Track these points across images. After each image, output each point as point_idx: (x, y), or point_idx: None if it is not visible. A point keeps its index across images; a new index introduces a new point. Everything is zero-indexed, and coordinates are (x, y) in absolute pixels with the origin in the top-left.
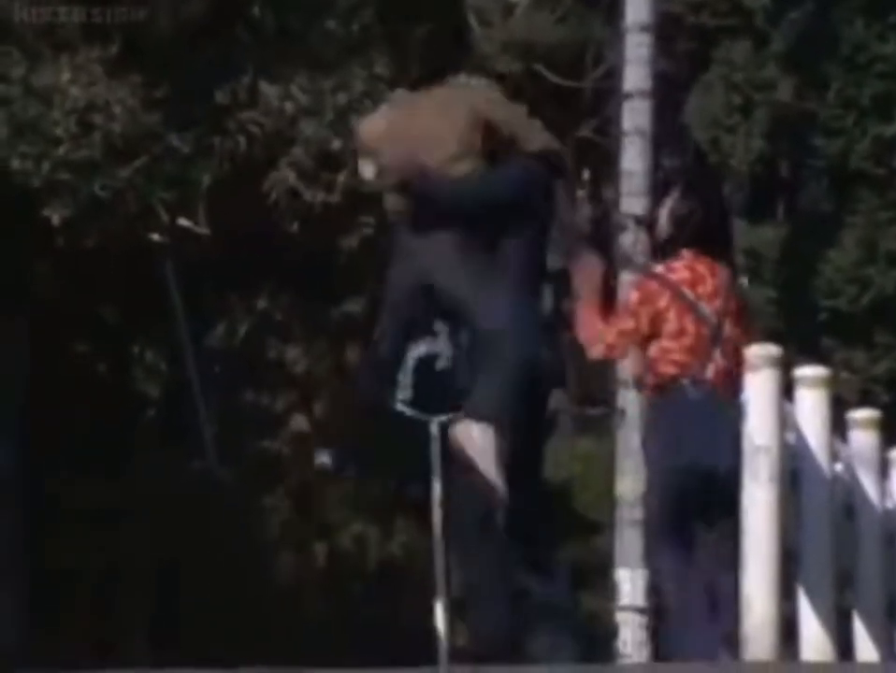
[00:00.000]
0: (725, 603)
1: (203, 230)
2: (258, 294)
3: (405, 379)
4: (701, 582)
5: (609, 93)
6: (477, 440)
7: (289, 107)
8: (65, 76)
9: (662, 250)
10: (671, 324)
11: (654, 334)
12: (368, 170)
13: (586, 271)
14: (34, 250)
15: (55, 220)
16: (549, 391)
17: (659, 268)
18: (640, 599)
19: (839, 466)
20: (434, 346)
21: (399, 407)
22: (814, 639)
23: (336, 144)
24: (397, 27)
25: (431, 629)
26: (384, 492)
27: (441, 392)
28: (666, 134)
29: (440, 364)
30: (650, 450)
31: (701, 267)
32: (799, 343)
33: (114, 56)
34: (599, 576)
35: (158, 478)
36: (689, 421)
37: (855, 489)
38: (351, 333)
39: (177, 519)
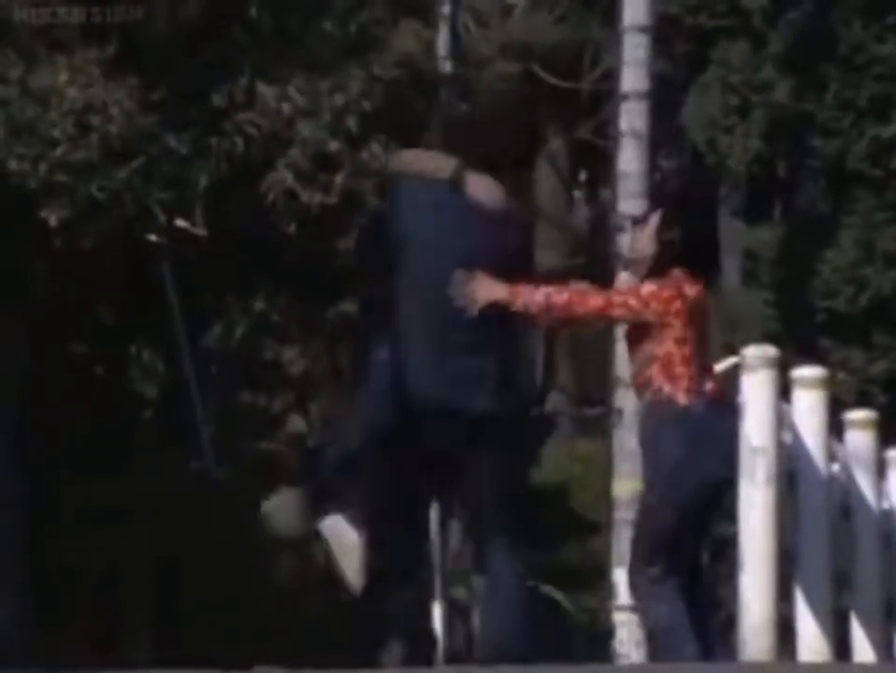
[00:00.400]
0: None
1: (200, 231)
2: (255, 295)
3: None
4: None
5: (606, 94)
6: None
7: (286, 108)
8: (63, 77)
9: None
10: (675, 331)
11: (660, 324)
12: None
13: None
14: (31, 250)
15: (53, 221)
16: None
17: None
18: None
19: (836, 467)
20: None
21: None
22: (811, 640)
23: (333, 145)
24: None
25: (431, 629)
26: None
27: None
28: (663, 135)
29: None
30: (660, 464)
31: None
32: (796, 344)
33: (111, 57)
34: (597, 576)
35: (158, 477)
36: (702, 433)
37: (852, 490)
38: (348, 334)
39: (177, 518)
